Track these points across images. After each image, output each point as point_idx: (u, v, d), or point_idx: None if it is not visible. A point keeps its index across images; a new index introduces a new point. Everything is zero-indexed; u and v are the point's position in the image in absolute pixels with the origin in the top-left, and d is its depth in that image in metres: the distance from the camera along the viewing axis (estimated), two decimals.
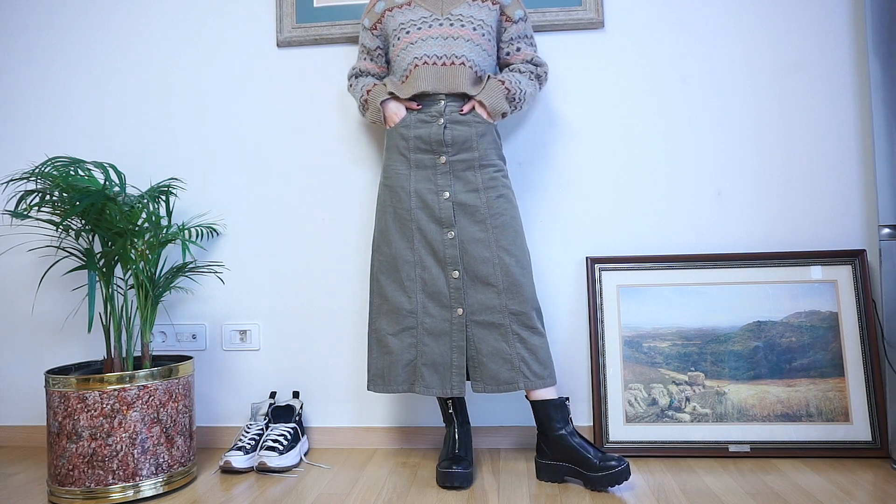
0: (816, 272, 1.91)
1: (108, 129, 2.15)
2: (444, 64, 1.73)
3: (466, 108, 1.74)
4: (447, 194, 1.73)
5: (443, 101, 1.74)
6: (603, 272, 1.97)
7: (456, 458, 1.71)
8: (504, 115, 1.76)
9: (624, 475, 1.58)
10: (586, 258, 1.98)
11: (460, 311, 1.70)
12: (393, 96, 1.78)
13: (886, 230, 1.78)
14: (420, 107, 1.75)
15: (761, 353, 1.89)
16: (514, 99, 1.76)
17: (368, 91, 1.80)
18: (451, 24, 1.76)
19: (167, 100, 2.14)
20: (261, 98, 2.11)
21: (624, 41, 2.02)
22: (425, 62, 1.73)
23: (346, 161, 2.08)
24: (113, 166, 1.88)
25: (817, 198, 1.96)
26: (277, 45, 2.09)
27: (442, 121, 1.73)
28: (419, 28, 1.76)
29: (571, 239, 2.02)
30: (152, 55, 2.15)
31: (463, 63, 1.74)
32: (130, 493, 1.63)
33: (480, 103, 1.74)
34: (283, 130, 2.10)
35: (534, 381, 1.68)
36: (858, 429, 1.82)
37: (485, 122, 1.75)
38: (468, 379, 1.71)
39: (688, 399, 1.89)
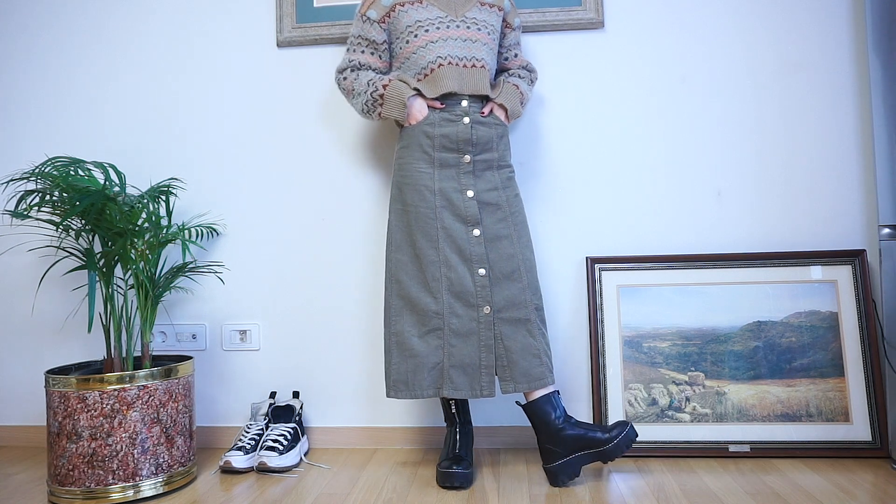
0: (816, 272, 1.91)
1: (108, 129, 2.15)
2: (465, 66, 1.73)
3: (487, 109, 1.76)
4: (471, 193, 1.72)
5: (465, 102, 1.74)
6: (603, 272, 1.97)
7: (456, 458, 1.71)
8: (516, 117, 1.80)
9: (633, 433, 1.63)
10: (586, 258, 1.98)
11: (487, 309, 1.69)
12: (419, 93, 1.75)
13: (886, 230, 1.78)
14: (444, 106, 1.74)
15: (761, 353, 1.89)
16: (522, 103, 1.81)
17: (385, 86, 1.74)
18: (468, 27, 1.76)
19: (167, 100, 2.14)
20: (261, 98, 2.11)
21: (624, 41, 2.02)
22: (449, 62, 1.72)
23: (346, 161, 2.08)
24: (113, 166, 1.88)
25: (817, 198, 1.96)
26: (277, 45, 2.09)
27: (467, 120, 1.73)
28: (438, 28, 1.74)
29: (571, 239, 2.02)
30: (152, 55, 2.15)
31: (483, 66, 1.75)
32: (130, 493, 1.63)
33: (502, 106, 1.77)
34: (282, 130, 2.10)
35: (553, 375, 1.70)
36: (858, 429, 1.82)
37: (503, 125, 1.78)
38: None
39: (688, 399, 1.89)
